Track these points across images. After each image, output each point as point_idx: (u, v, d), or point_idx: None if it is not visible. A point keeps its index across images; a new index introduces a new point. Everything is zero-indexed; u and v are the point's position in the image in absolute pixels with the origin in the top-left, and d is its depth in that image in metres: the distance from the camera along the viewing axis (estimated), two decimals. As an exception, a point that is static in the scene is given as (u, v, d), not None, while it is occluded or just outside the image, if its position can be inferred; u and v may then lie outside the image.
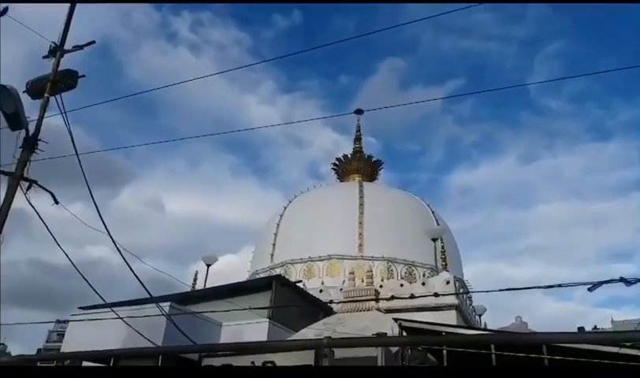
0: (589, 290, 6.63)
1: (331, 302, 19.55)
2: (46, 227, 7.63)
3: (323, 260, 23.73)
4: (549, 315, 73.39)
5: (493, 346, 8.92)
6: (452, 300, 19.79)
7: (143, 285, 9.30)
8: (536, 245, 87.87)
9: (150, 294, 9.87)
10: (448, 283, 20.21)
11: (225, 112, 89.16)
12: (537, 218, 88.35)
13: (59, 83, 7.62)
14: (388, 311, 18.59)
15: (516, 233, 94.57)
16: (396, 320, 11.85)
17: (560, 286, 7.30)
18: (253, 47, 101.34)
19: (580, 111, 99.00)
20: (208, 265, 23.64)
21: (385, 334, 11.75)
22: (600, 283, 6.43)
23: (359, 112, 32.76)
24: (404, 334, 11.62)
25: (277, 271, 24.35)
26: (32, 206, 6.71)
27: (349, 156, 32.12)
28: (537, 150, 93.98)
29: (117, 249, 8.48)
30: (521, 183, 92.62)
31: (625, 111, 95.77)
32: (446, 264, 22.09)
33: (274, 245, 25.65)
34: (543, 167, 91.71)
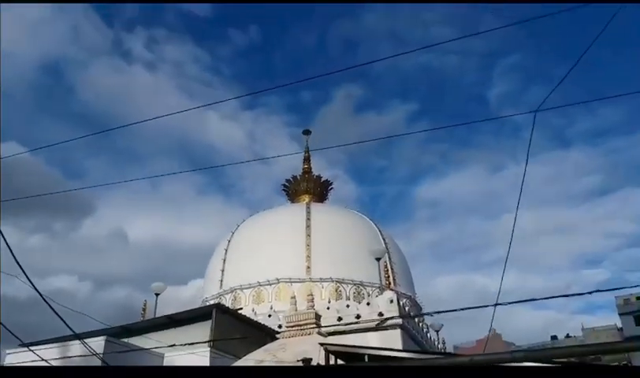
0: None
1: (279, 327, 19.80)
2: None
3: (272, 284, 23.77)
4: (526, 325, 73.84)
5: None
6: (396, 320, 20.12)
7: (64, 322, 9.36)
8: (505, 255, 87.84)
9: (74, 331, 9.95)
10: (391, 301, 20.38)
11: (185, 129, 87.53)
12: (505, 228, 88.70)
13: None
14: (333, 333, 18.94)
15: (487, 243, 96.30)
16: (322, 344, 12.13)
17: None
18: (212, 64, 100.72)
19: (540, 120, 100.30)
20: (157, 295, 23.56)
21: (311, 360, 12.06)
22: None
23: (306, 132, 34.40)
24: (331, 358, 11.93)
25: (227, 297, 24.54)
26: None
27: (298, 177, 32.25)
28: (502, 160, 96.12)
29: (33, 286, 8.50)
30: (488, 193, 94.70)
31: (582, 121, 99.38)
32: (390, 283, 22.45)
33: (222, 271, 25.62)
34: (509, 176, 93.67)
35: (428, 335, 25.36)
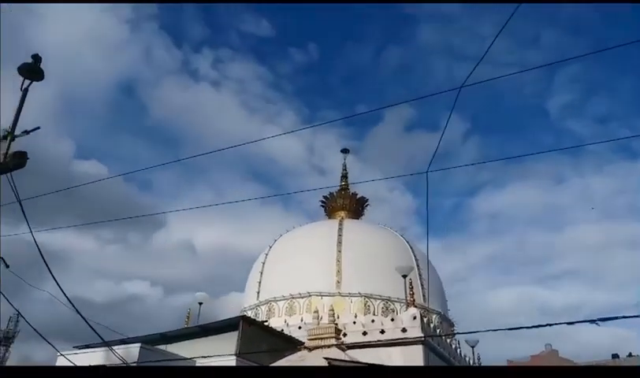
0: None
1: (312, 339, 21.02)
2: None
3: (304, 297, 24.97)
4: (588, 341, 71.78)
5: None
6: (419, 335, 20.77)
7: (94, 330, 10.95)
8: (571, 268, 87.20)
9: (103, 339, 11.54)
10: (414, 318, 21.06)
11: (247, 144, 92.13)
12: (569, 241, 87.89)
13: (10, 163, 9.44)
14: (354, 347, 19.96)
15: (550, 256, 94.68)
16: (326, 358, 13.27)
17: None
18: (273, 81, 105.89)
19: (605, 132, 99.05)
20: (200, 304, 25.44)
21: (315, 374, 13.19)
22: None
23: (345, 151, 36.22)
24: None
25: (262, 308, 26.07)
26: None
27: (335, 193, 33.48)
28: (564, 172, 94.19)
29: (67, 298, 10.08)
30: (551, 205, 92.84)
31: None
32: (414, 300, 23.09)
33: (260, 283, 27.08)
34: (572, 188, 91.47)
35: (458, 351, 25.63)
